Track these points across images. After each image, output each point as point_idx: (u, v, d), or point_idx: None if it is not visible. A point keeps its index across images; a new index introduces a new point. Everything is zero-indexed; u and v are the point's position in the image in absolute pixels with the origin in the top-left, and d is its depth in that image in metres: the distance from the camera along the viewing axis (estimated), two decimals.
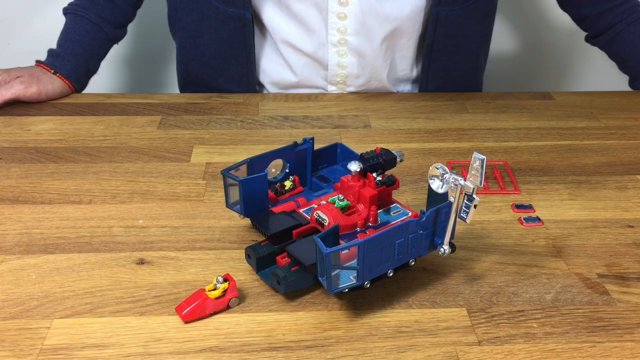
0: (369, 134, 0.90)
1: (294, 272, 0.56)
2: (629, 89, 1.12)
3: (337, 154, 0.69)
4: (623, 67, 1.10)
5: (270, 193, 0.64)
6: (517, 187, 0.76)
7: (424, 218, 0.55)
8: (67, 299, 0.57)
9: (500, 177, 0.78)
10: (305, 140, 0.66)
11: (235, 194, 0.61)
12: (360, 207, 0.60)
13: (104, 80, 1.42)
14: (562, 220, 0.71)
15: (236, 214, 0.69)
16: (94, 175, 0.77)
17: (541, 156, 0.85)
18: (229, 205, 0.63)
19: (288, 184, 0.65)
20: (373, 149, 0.63)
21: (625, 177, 0.80)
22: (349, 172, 0.61)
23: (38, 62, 1.01)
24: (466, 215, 0.55)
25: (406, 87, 1.07)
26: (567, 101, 1.03)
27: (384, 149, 0.63)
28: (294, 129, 0.90)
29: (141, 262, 0.62)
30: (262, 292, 0.59)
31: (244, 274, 0.61)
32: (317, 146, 0.68)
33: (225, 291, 0.56)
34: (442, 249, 0.57)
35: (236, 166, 0.62)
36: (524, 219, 0.70)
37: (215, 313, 0.56)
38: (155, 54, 1.45)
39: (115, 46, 1.08)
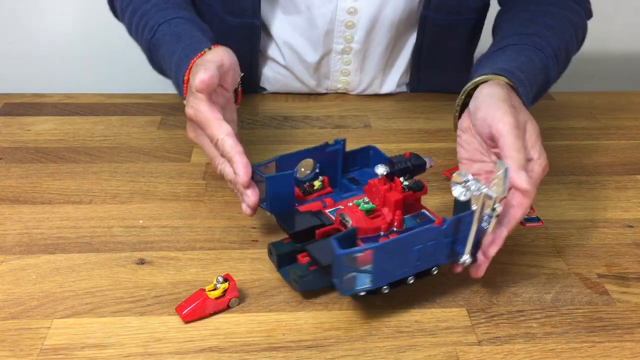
0: (369, 134, 0.90)
1: (312, 271, 0.56)
2: (629, 89, 1.11)
3: (369, 157, 0.68)
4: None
5: (298, 191, 0.63)
6: None
7: (445, 226, 0.53)
8: (67, 299, 0.57)
9: None
10: (336, 142, 0.66)
11: (262, 191, 0.61)
12: (385, 211, 0.59)
13: (104, 80, 1.42)
14: (562, 220, 0.71)
15: (238, 214, 0.69)
16: (94, 175, 0.77)
17: None
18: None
19: (317, 183, 0.65)
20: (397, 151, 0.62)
21: (625, 177, 0.80)
22: (377, 175, 0.60)
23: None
24: (488, 225, 0.54)
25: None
26: (567, 101, 1.03)
27: (413, 153, 0.62)
28: (294, 129, 0.90)
29: (141, 262, 0.62)
30: (262, 292, 0.59)
31: (244, 274, 0.61)
32: (343, 148, 0.67)
33: (225, 291, 0.56)
34: (462, 258, 0.55)
35: (265, 163, 0.62)
36: (524, 219, 0.70)
37: (215, 313, 0.56)
38: None
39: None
